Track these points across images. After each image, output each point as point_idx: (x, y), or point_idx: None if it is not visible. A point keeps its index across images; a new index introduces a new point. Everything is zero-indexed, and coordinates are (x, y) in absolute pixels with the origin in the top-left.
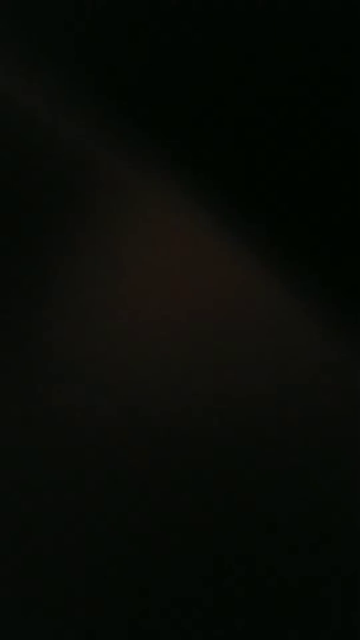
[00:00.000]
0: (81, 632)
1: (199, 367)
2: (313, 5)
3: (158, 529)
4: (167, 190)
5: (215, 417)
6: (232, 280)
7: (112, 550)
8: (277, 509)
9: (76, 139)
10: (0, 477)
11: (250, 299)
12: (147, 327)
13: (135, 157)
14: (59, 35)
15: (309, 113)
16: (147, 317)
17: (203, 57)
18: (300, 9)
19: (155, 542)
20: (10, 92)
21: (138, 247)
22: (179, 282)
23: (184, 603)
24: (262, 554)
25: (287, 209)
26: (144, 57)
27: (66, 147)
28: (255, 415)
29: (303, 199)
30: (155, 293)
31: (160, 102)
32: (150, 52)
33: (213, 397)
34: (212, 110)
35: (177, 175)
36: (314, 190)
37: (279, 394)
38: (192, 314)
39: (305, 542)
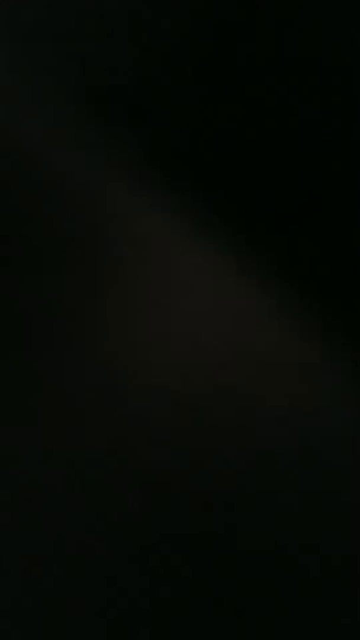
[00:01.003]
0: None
1: (198, 383)
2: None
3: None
4: (167, 211)
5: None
6: (231, 299)
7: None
8: (276, 500)
9: (74, 162)
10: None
11: (250, 318)
12: (147, 345)
13: (134, 177)
14: (57, 55)
15: (308, 126)
16: (146, 336)
17: (200, 72)
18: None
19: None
20: (7, 115)
21: (137, 267)
22: (178, 301)
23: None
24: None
25: (285, 228)
26: (141, 75)
27: (65, 169)
28: (255, 426)
29: (301, 218)
30: (155, 313)
31: (159, 123)
32: (147, 70)
33: (212, 410)
34: (208, 129)
35: (177, 196)
36: (313, 209)
37: (278, 404)
38: (191, 331)
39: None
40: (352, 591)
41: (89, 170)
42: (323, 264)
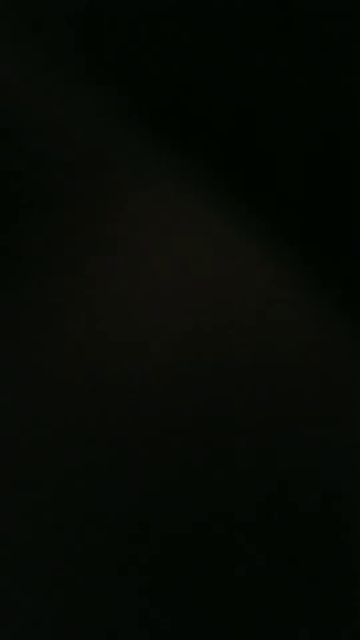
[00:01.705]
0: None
1: (197, 356)
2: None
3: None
4: (169, 180)
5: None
6: (233, 268)
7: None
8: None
9: (77, 129)
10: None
11: (252, 288)
12: (147, 315)
13: (138, 146)
14: (59, 24)
15: (311, 103)
16: (148, 305)
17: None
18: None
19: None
20: (10, 82)
21: (140, 236)
22: (179, 269)
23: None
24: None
25: (290, 199)
26: (142, 44)
27: (67, 137)
28: (254, 408)
29: (304, 189)
30: (156, 281)
31: (161, 94)
32: (148, 44)
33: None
34: (213, 98)
35: (181, 165)
36: (316, 181)
37: (276, 381)
38: (192, 302)
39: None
40: (350, 588)
41: (88, 136)
42: (328, 232)
